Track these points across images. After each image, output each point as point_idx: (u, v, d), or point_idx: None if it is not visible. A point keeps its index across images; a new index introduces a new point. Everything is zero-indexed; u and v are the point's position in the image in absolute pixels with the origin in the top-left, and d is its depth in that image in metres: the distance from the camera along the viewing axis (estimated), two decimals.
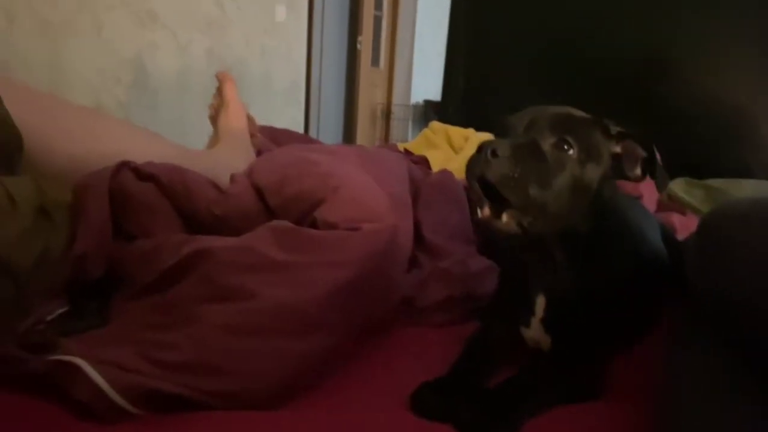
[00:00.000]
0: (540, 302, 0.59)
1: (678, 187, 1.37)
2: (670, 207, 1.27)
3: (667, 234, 0.73)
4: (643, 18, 1.54)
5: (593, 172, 0.55)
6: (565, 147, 0.54)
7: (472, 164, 0.52)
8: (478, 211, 0.54)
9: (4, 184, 0.55)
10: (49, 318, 0.55)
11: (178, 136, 0.90)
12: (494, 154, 0.50)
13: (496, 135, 0.57)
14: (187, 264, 0.53)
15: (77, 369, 0.44)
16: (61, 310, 0.56)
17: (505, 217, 0.53)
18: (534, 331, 0.60)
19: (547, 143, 0.54)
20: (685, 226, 1.04)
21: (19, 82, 0.59)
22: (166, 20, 1.35)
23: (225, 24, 1.47)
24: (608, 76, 1.54)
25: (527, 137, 0.54)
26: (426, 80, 2.41)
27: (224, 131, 0.90)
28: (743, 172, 1.43)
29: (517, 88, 1.65)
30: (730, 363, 0.45)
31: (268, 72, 1.61)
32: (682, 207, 1.29)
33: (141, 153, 0.66)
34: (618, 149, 0.57)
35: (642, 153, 0.57)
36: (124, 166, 0.62)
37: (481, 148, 0.51)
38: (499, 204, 0.53)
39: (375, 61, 3.10)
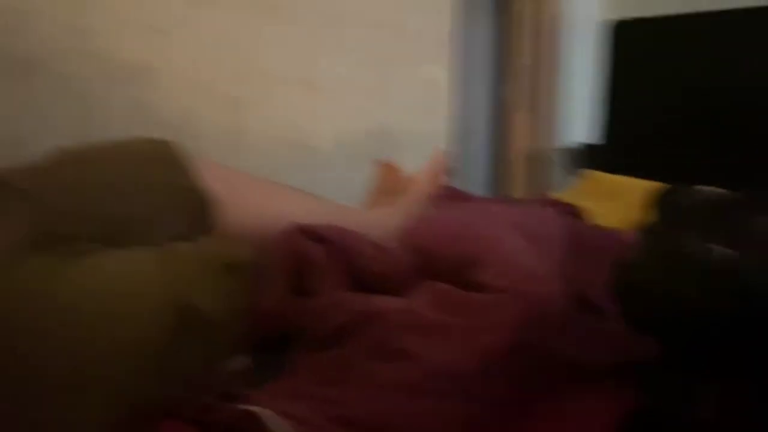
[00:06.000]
0: None
1: None
2: None
3: None
4: None
5: None
6: None
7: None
8: None
9: (197, 243, 0.64)
10: (234, 370, 0.61)
11: (338, 195, 0.96)
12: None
13: (660, 209, 0.55)
14: (358, 323, 0.57)
15: (261, 420, 0.49)
16: (244, 363, 0.62)
17: None
18: None
19: None
20: None
21: (212, 161, 0.68)
22: (324, 87, 1.46)
23: (377, 86, 1.55)
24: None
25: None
26: (575, 125, 2.36)
27: (399, 198, 0.95)
28: None
29: (668, 135, 1.58)
30: None
31: (413, 127, 1.67)
32: None
33: (312, 214, 0.73)
34: None
35: None
36: (299, 228, 0.68)
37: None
38: None
39: (521, 108, 3.09)
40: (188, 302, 0.58)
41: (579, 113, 2.21)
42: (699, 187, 0.92)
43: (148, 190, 0.62)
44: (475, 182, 2.08)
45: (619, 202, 1.35)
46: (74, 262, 0.53)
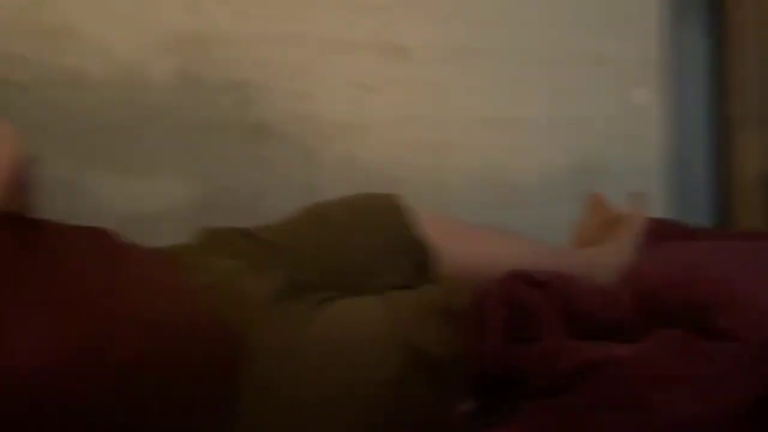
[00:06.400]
0: None
1: None
2: None
3: None
4: None
5: None
6: None
7: None
8: None
9: (422, 292, 0.68)
10: (459, 412, 0.63)
11: (540, 233, 0.95)
12: None
13: None
14: (588, 370, 0.56)
15: None
16: (469, 406, 0.64)
17: None
18: None
19: None
20: None
21: (431, 212, 0.73)
22: (526, 123, 1.46)
23: (580, 118, 1.52)
24: None
25: None
26: None
27: (610, 235, 0.93)
28: None
29: None
30: None
31: (621, 158, 1.59)
32: None
33: (527, 258, 0.73)
34: None
35: None
36: (516, 274, 0.69)
37: None
38: None
39: (748, 125, 2.75)
40: (413, 344, 0.63)
41: None
42: None
43: (376, 242, 0.68)
44: (696, 213, 1.90)
45: None
46: (320, 308, 0.60)
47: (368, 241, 0.68)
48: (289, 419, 0.57)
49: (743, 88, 2.10)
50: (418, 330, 0.64)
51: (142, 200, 1.16)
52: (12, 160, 0.43)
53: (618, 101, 1.62)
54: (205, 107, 1.18)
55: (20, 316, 0.40)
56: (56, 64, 1.04)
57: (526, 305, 0.67)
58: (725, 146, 2.15)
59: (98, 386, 0.43)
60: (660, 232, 1.06)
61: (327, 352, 0.59)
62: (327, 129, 1.31)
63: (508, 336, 0.66)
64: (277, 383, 0.56)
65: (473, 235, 0.77)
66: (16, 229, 0.45)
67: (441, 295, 0.68)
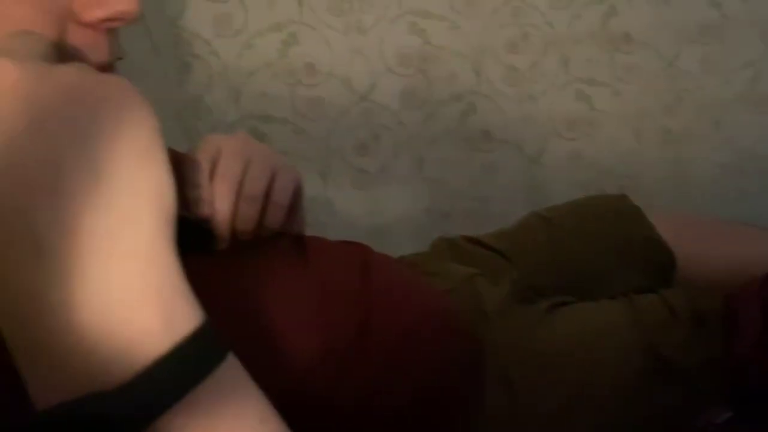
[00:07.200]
0: None
1: None
2: None
3: None
4: None
5: None
6: None
7: None
8: None
9: (664, 296, 0.64)
10: (717, 421, 0.59)
11: None
12: None
13: None
14: None
15: None
16: (726, 415, 0.59)
17: None
18: None
19: None
20: None
21: (669, 211, 0.69)
22: None
23: None
24: None
25: None
26: None
27: None
28: None
29: None
30: None
31: None
32: None
33: None
34: None
35: None
36: None
37: None
38: None
39: None
40: (657, 350, 0.60)
41: None
42: None
43: (610, 244, 0.67)
44: None
45: None
46: (556, 311, 0.61)
47: (601, 244, 0.66)
48: (524, 417, 0.58)
49: None
50: (663, 335, 0.61)
51: (377, 211, 1.26)
52: (297, 186, 0.51)
53: None
54: (430, 120, 1.25)
55: (293, 322, 0.47)
56: (304, 98, 1.19)
57: None
58: None
59: (360, 384, 0.48)
60: None
61: (564, 352, 0.59)
62: (551, 129, 1.30)
63: (766, 344, 0.60)
64: (515, 385, 0.58)
65: (717, 233, 0.71)
66: (295, 246, 0.54)
67: (686, 300, 0.64)
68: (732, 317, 0.62)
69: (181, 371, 0.22)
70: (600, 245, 0.67)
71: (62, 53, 0.29)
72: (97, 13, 0.31)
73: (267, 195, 0.48)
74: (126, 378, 0.21)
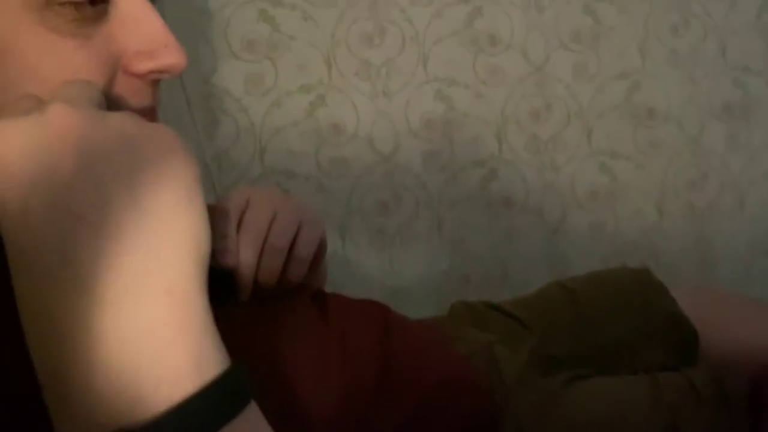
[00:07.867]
0: None
1: None
2: None
3: None
4: None
5: None
6: None
7: None
8: None
9: (687, 374, 0.63)
10: None
11: None
12: None
13: None
14: None
15: None
16: None
17: None
18: None
19: None
20: None
21: (691, 286, 0.68)
22: None
23: None
24: None
25: None
26: None
27: None
28: None
29: None
30: None
31: None
32: None
33: None
34: None
35: None
36: None
37: None
38: None
39: None
40: (678, 430, 0.58)
41: None
42: None
43: (632, 317, 0.65)
44: None
45: None
46: (574, 384, 0.59)
47: (622, 318, 0.65)
48: None
49: None
50: (685, 416, 0.59)
51: (395, 272, 1.26)
52: (321, 240, 0.52)
53: None
54: (451, 183, 1.26)
55: (313, 376, 0.46)
56: (328, 156, 1.21)
57: None
58: None
59: None
60: None
61: (584, 427, 0.57)
62: (574, 198, 1.30)
63: None
64: None
65: (744, 311, 0.69)
66: (316, 299, 0.54)
67: (710, 379, 0.62)
68: (758, 399, 0.60)
69: (207, 413, 0.22)
70: (622, 318, 0.65)
71: (108, 100, 0.31)
72: (148, 65, 0.33)
73: (291, 248, 0.49)
74: (154, 416, 0.21)
